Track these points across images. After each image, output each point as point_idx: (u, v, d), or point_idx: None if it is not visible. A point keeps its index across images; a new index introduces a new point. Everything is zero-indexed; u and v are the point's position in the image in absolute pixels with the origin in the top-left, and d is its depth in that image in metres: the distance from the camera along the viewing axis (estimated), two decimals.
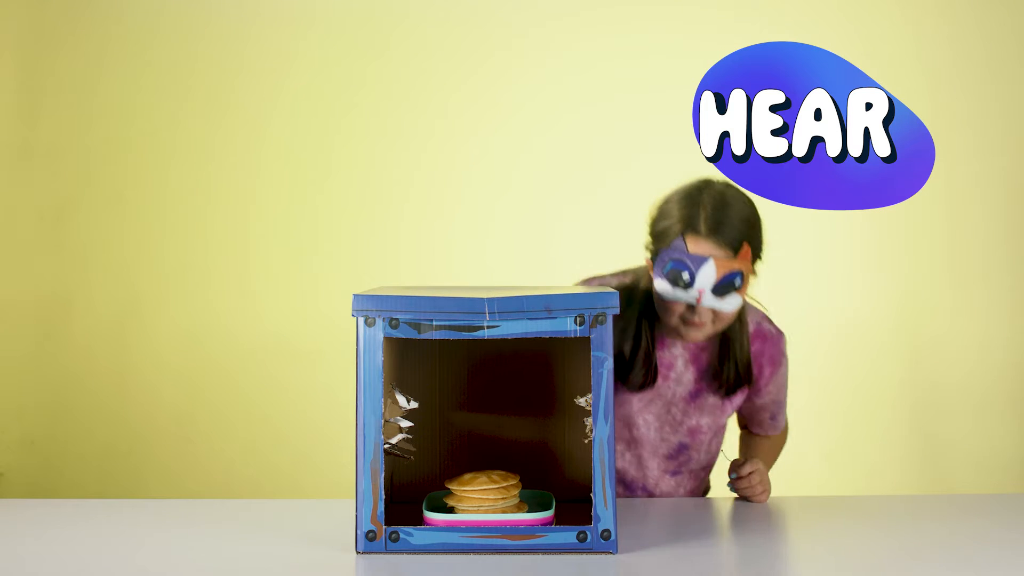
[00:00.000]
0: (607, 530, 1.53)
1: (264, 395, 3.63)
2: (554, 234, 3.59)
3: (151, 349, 3.66)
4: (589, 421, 1.54)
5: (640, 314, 1.89)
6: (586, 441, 1.58)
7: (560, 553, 1.53)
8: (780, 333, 1.99)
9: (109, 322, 3.66)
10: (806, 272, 3.61)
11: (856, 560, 1.54)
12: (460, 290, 1.67)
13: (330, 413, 3.44)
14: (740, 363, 1.91)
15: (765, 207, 3.56)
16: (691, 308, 1.78)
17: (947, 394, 3.56)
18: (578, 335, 1.53)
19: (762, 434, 2.10)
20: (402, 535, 1.54)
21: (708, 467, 2.05)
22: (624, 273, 2.00)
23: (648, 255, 1.84)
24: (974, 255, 3.57)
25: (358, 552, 1.54)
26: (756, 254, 1.80)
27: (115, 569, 1.50)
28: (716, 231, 1.76)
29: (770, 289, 3.61)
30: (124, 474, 3.63)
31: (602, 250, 3.58)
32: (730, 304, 1.77)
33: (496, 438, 1.81)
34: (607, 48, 3.63)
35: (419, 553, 1.53)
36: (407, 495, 1.75)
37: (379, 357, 1.53)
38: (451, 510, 1.61)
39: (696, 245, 1.75)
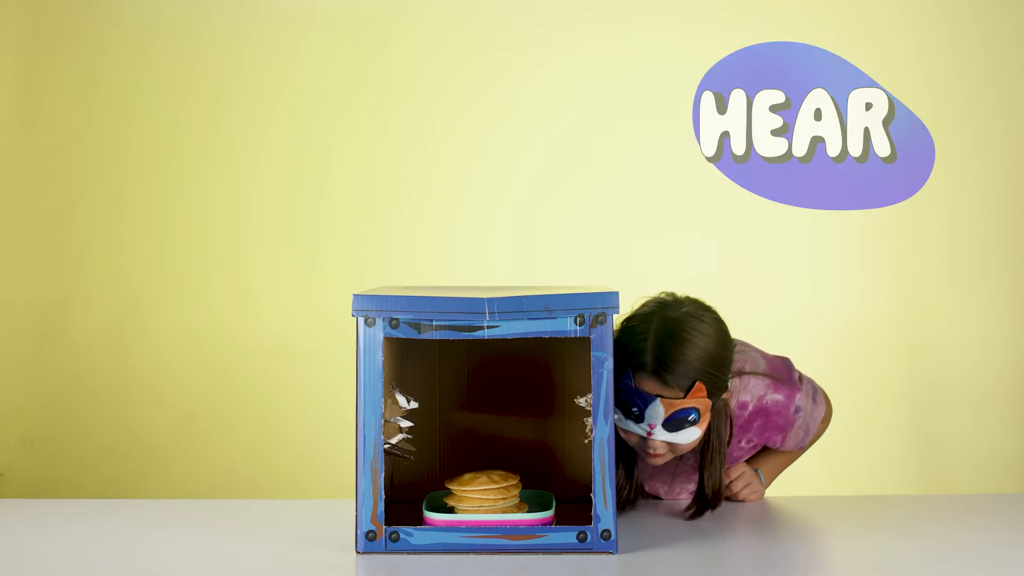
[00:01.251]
0: (607, 530, 1.53)
1: (264, 395, 3.63)
2: (554, 234, 3.59)
3: (151, 349, 3.66)
4: (589, 421, 1.54)
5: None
6: (586, 441, 1.58)
7: (560, 553, 1.53)
8: (788, 400, 1.86)
9: (109, 323, 3.66)
10: (806, 272, 3.61)
11: (856, 560, 1.54)
12: (460, 290, 1.67)
13: (330, 413, 3.44)
14: (713, 487, 1.77)
15: (764, 208, 3.55)
16: (646, 441, 1.67)
17: (947, 394, 3.56)
18: (578, 335, 1.53)
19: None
20: (402, 535, 1.54)
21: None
22: None
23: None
24: (974, 255, 3.57)
25: (358, 552, 1.54)
26: (714, 390, 1.66)
27: (115, 569, 1.50)
28: (663, 370, 1.62)
29: (770, 289, 3.62)
30: (124, 474, 3.63)
31: (602, 250, 3.59)
32: (685, 437, 1.66)
33: (496, 438, 1.81)
34: (607, 48, 3.63)
35: (419, 553, 1.53)
36: (407, 495, 1.75)
37: (379, 357, 1.53)
38: (451, 510, 1.61)
39: (644, 383, 1.64)
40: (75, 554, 1.57)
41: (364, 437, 1.54)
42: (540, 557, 1.52)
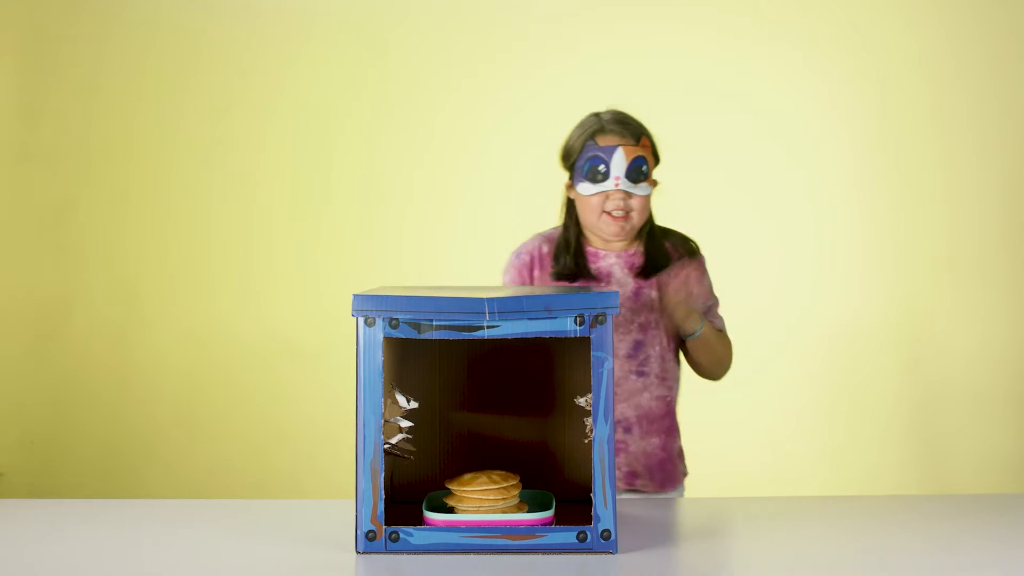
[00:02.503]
0: (607, 530, 1.53)
1: (265, 395, 3.63)
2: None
3: (151, 349, 3.66)
4: (589, 421, 1.54)
5: (568, 239, 2.19)
6: (586, 441, 1.58)
7: (560, 553, 1.53)
8: (694, 244, 2.26)
9: (109, 322, 3.66)
10: (806, 272, 3.61)
11: (856, 560, 1.54)
12: (460, 290, 1.67)
13: (331, 413, 3.44)
14: (653, 248, 2.18)
15: (764, 208, 3.55)
16: (610, 199, 2.08)
17: (946, 394, 3.56)
18: (578, 335, 1.53)
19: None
20: (402, 535, 1.54)
21: (669, 380, 2.17)
22: (544, 232, 2.26)
23: (568, 182, 2.17)
24: (973, 256, 3.57)
25: (358, 552, 1.54)
26: (653, 149, 2.14)
27: (115, 569, 1.50)
28: (618, 125, 2.11)
29: (771, 289, 3.63)
30: (124, 474, 3.64)
31: None
32: (642, 190, 2.10)
33: (496, 438, 1.81)
34: (607, 48, 3.64)
35: (419, 553, 1.53)
36: (407, 495, 1.75)
37: (379, 357, 1.53)
38: (451, 510, 1.61)
39: (604, 140, 2.09)
40: (75, 554, 1.57)
41: (364, 437, 1.54)
42: (540, 557, 1.52)
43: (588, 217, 2.14)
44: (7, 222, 3.67)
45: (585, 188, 2.11)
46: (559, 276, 2.16)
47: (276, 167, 3.67)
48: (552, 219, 3.59)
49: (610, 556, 1.53)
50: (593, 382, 1.53)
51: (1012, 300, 3.56)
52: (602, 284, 2.16)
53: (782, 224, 3.62)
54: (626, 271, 2.18)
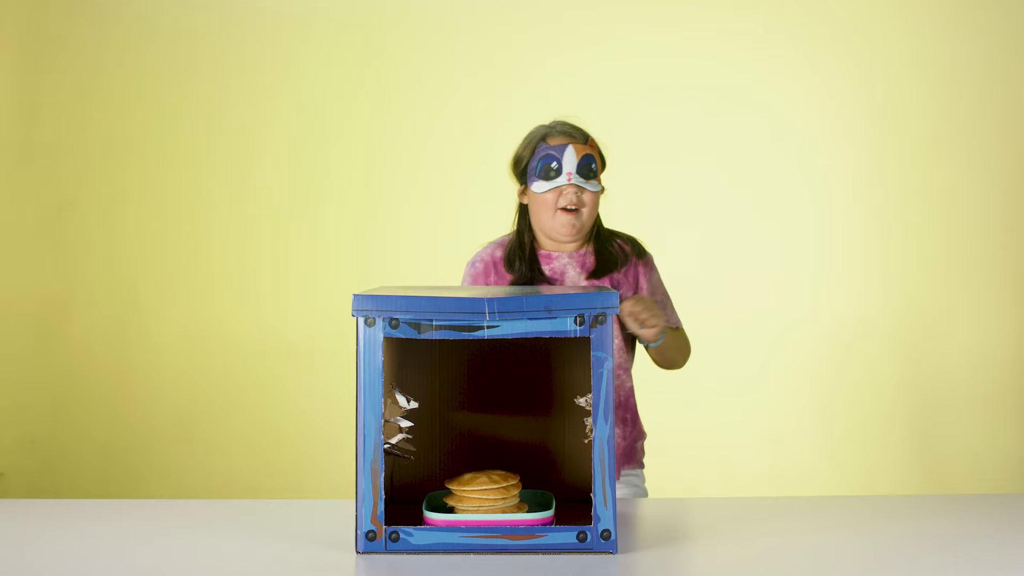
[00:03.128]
0: (607, 530, 1.53)
1: (265, 395, 3.63)
2: None
3: (151, 348, 3.66)
4: (589, 421, 1.54)
5: (523, 242, 2.27)
6: (586, 441, 1.58)
7: (560, 553, 1.53)
8: (643, 246, 2.33)
9: (109, 321, 3.66)
10: (805, 272, 3.61)
11: (856, 560, 1.54)
12: (460, 290, 1.67)
13: (330, 413, 3.45)
14: (603, 249, 2.25)
15: (764, 208, 3.56)
16: (564, 194, 2.16)
17: (946, 394, 3.56)
18: (578, 335, 1.53)
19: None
20: (402, 535, 1.54)
21: (623, 370, 2.24)
22: (496, 239, 2.35)
23: (520, 188, 2.25)
24: (972, 255, 3.57)
25: (358, 552, 1.54)
26: (600, 155, 2.22)
27: (115, 569, 1.50)
28: (565, 128, 2.21)
29: (770, 288, 3.62)
30: (124, 474, 3.64)
31: None
32: (593, 186, 2.18)
33: (496, 438, 1.81)
34: (608, 48, 3.64)
35: (419, 553, 1.53)
36: (407, 495, 1.75)
37: (379, 357, 1.53)
38: (451, 510, 1.61)
39: (554, 140, 2.18)
40: (75, 554, 1.57)
41: (364, 437, 1.54)
42: (540, 557, 1.52)
43: (543, 217, 2.22)
44: (7, 222, 3.67)
45: (539, 186, 2.19)
46: (515, 283, 2.23)
47: (276, 167, 3.67)
48: None
49: (610, 556, 1.53)
50: (593, 382, 1.53)
51: (1011, 299, 3.56)
52: (556, 285, 2.21)
53: (782, 224, 3.62)
54: (578, 270, 2.25)
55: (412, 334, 1.53)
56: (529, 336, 1.54)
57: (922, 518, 1.76)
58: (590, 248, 2.27)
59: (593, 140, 2.23)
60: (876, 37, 3.60)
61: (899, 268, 3.59)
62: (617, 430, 2.22)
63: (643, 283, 2.29)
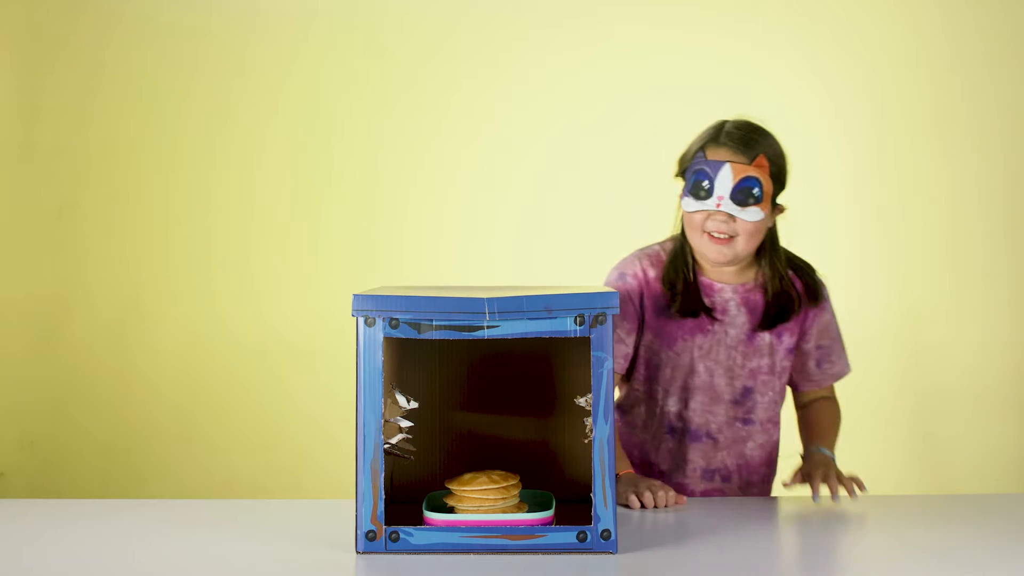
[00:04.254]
0: (607, 530, 1.53)
1: (264, 395, 3.63)
2: (555, 234, 3.60)
3: (151, 349, 3.66)
4: (589, 421, 1.54)
5: (685, 263, 1.98)
6: (586, 441, 1.58)
7: (560, 553, 1.53)
8: (821, 286, 2.06)
9: (109, 322, 3.66)
10: None
11: (856, 560, 1.54)
12: (460, 290, 1.67)
13: (330, 413, 3.45)
14: (777, 294, 1.97)
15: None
16: (712, 219, 1.87)
17: (947, 394, 3.56)
18: (578, 335, 1.53)
19: (810, 388, 2.12)
20: (402, 535, 1.54)
21: (774, 423, 2.07)
22: (664, 242, 2.08)
23: (679, 193, 1.95)
24: (973, 255, 3.57)
25: (358, 552, 1.54)
26: (776, 173, 1.90)
27: (115, 569, 1.50)
28: (734, 139, 1.88)
29: None
30: (124, 474, 3.63)
31: (603, 249, 3.59)
32: (749, 215, 1.86)
33: (496, 438, 1.81)
34: (608, 48, 3.64)
35: (419, 553, 1.53)
36: (407, 495, 1.75)
37: (379, 357, 1.53)
38: (451, 510, 1.61)
39: (714, 153, 1.88)
40: (75, 554, 1.57)
41: (364, 437, 1.54)
42: (540, 557, 1.52)
43: (691, 235, 1.95)
44: (7, 222, 3.67)
45: (688, 203, 1.92)
46: (674, 311, 1.97)
47: (276, 167, 3.67)
48: (552, 220, 3.61)
49: (610, 556, 1.53)
50: (593, 382, 1.53)
51: (1012, 300, 3.56)
52: (716, 323, 1.99)
53: (781, 224, 3.62)
54: (742, 309, 2.00)
55: (412, 334, 1.53)
56: (529, 336, 1.54)
57: (923, 518, 1.76)
58: (758, 284, 2.00)
59: (766, 157, 1.89)
60: (876, 37, 3.59)
61: (900, 268, 3.59)
62: (754, 489, 2.07)
63: (810, 329, 2.05)
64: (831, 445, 2.03)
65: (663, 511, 1.82)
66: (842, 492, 1.86)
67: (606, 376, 1.54)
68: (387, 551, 1.54)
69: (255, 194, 3.67)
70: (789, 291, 1.99)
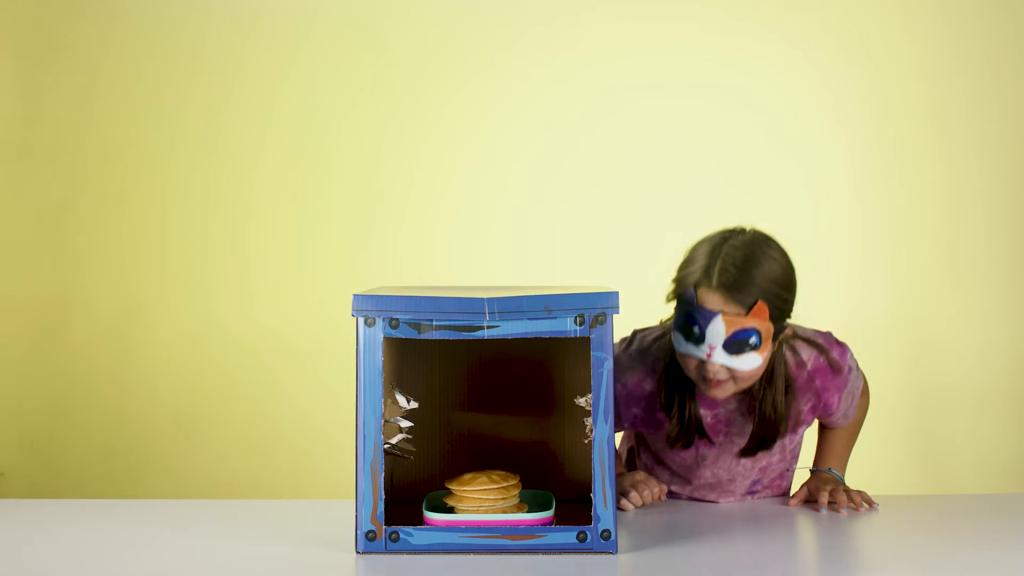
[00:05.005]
0: (607, 530, 1.53)
1: (264, 395, 3.63)
2: (554, 234, 3.59)
3: (151, 349, 3.66)
4: (589, 421, 1.54)
5: (681, 384, 1.79)
6: (586, 441, 1.58)
7: (560, 553, 1.53)
8: (842, 358, 1.88)
9: (109, 322, 3.66)
10: (806, 272, 3.60)
11: (855, 560, 1.54)
12: (460, 290, 1.67)
13: (330, 413, 3.44)
14: (771, 422, 1.79)
15: (764, 208, 3.55)
16: (705, 365, 1.67)
17: (947, 394, 3.56)
18: (578, 335, 1.53)
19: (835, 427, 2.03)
20: (402, 535, 1.54)
21: (788, 473, 2.01)
22: (661, 337, 1.87)
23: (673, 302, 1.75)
24: (974, 255, 3.57)
25: (358, 552, 1.54)
26: (778, 313, 1.68)
27: (115, 569, 1.50)
28: (728, 286, 1.65)
29: None
30: (124, 474, 3.63)
31: (602, 250, 3.59)
32: (746, 363, 1.65)
33: (496, 438, 1.81)
34: (607, 48, 3.63)
35: (419, 553, 1.53)
36: (407, 495, 1.75)
37: (379, 357, 1.53)
38: (451, 510, 1.61)
39: (707, 299, 1.65)
40: (75, 554, 1.57)
41: (364, 437, 1.54)
42: (540, 557, 1.52)
43: (683, 368, 1.74)
44: (7, 222, 3.67)
45: (678, 342, 1.70)
46: (669, 438, 1.82)
47: (275, 167, 3.67)
48: (551, 220, 3.61)
49: (610, 556, 1.53)
50: (593, 382, 1.53)
51: (1013, 299, 3.56)
52: (717, 438, 1.85)
53: (781, 224, 3.59)
54: (748, 417, 1.83)
55: (412, 334, 1.53)
56: (529, 336, 1.54)
57: (923, 518, 1.76)
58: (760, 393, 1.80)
59: (765, 302, 1.65)
60: (876, 37, 3.59)
61: (901, 268, 3.59)
62: (768, 492, 1.96)
63: (835, 405, 1.88)
64: (841, 467, 1.99)
65: (663, 511, 1.82)
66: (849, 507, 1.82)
67: (606, 376, 1.54)
68: (387, 551, 1.54)
69: (254, 194, 3.67)
70: (779, 419, 1.79)
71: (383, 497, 1.53)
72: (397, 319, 1.53)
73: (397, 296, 1.54)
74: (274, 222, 3.66)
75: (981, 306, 3.56)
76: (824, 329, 1.97)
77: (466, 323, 1.53)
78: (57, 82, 3.69)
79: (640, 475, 1.86)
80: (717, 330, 1.64)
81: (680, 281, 1.71)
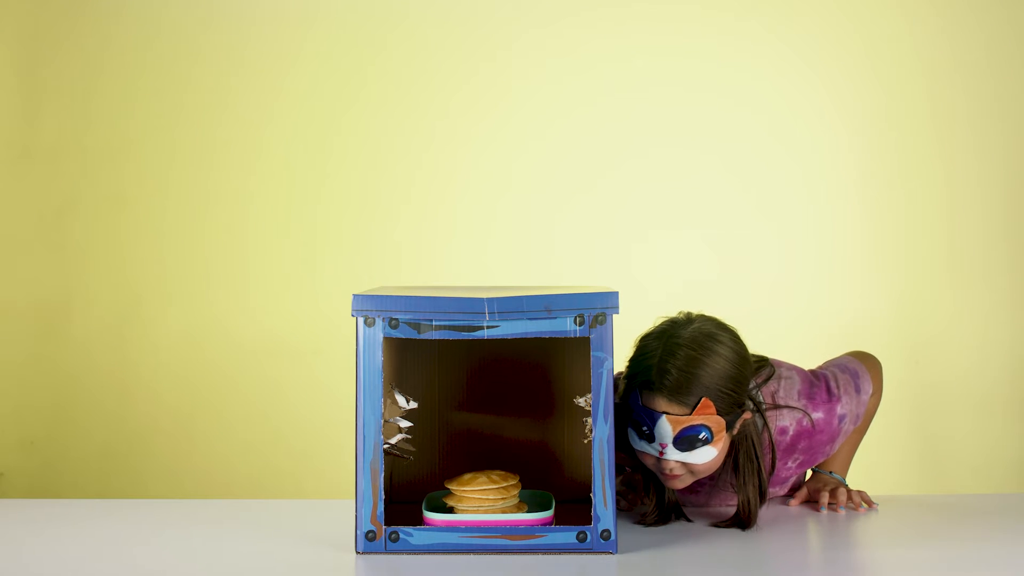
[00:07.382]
0: (607, 530, 1.53)
1: (264, 395, 3.63)
2: (554, 234, 3.59)
3: (151, 349, 3.66)
4: (589, 421, 1.54)
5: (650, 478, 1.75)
6: (586, 441, 1.58)
7: (560, 553, 1.53)
8: (829, 413, 1.83)
9: (109, 322, 3.66)
10: (806, 272, 3.61)
11: (855, 560, 1.54)
12: (460, 290, 1.67)
13: (330, 413, 3.44)
14: (753, 499, 1.73)
15: (764, 208, 3.55)
16: (661, 461, 1.64)
17: (947, 394, 3.56)
18: (578, 335, 1.53)
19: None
20: (402, 535, 1.54)
21: (794, 478, 1.96)
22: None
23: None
24: (974, 255, 3.57)
25: (358, 552, 1.54)
26: (727, 407, 1.63)
27: (115, 569, 1.50)
28: (671, 389, 1.61)
29: (770, 289, 3.62)
30: (124, 474, 3.63)
31: (602, 250, 3.59)
32: (701, 457, 1.62)
33: (496, 438, 1.81)
34: (607, 48, 3.63)
35: (419, 553, 1.53)
36: (407, 495, 1.75)
37: (379, 357, 1.53)
38: (451, 510, 1.61)
39: (651, 400, 1.62)
40: (75, 554, 1.57)
41: (364, 437, 1.54)
42: (540, 557, 1.52)
43: (643, 463, 1.71)
44: (7, 222, 3.67)
45: (632, 439, 1.67)
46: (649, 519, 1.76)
47: (275, 167, 3.67)
48: (551, 220, 3.60)
49: (610, 556, 1.53)
50: (593, 382, 1.53)
51: (1013, 299, 3.56)
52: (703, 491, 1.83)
53: (782, 223, 3.62)
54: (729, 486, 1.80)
55: (412, 334, 1.53)
56: (529, 336, 1.54)
57: (923, 518, 1.76)
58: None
59: (710, 399, 1.61)
60: (876, 37, 3.59)
61: (901, 268, 3.59)
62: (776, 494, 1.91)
63: (828, 454, 1.85)
64: (843, 470, 1.96)
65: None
66: (848, 506, 1.82)
67: (606, 376, 1.54)
68: (387, 551, 1.54)
69: (254, 194, 3.66)
70: (763, 493, 1.73)
71: (383, 497, 1.53)
72: (397, 319, 1.53)
73: (397, 296, 1.54)
74: (274, 222, 3.66)
75: (981, 307, 3.56)
76: (841, 353, 1.99)
77: (466, 323, 1.53)
78: (57, 82, 3.69)
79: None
80: (664, 430, 1.61)
81: (628, 380, 1.67)
